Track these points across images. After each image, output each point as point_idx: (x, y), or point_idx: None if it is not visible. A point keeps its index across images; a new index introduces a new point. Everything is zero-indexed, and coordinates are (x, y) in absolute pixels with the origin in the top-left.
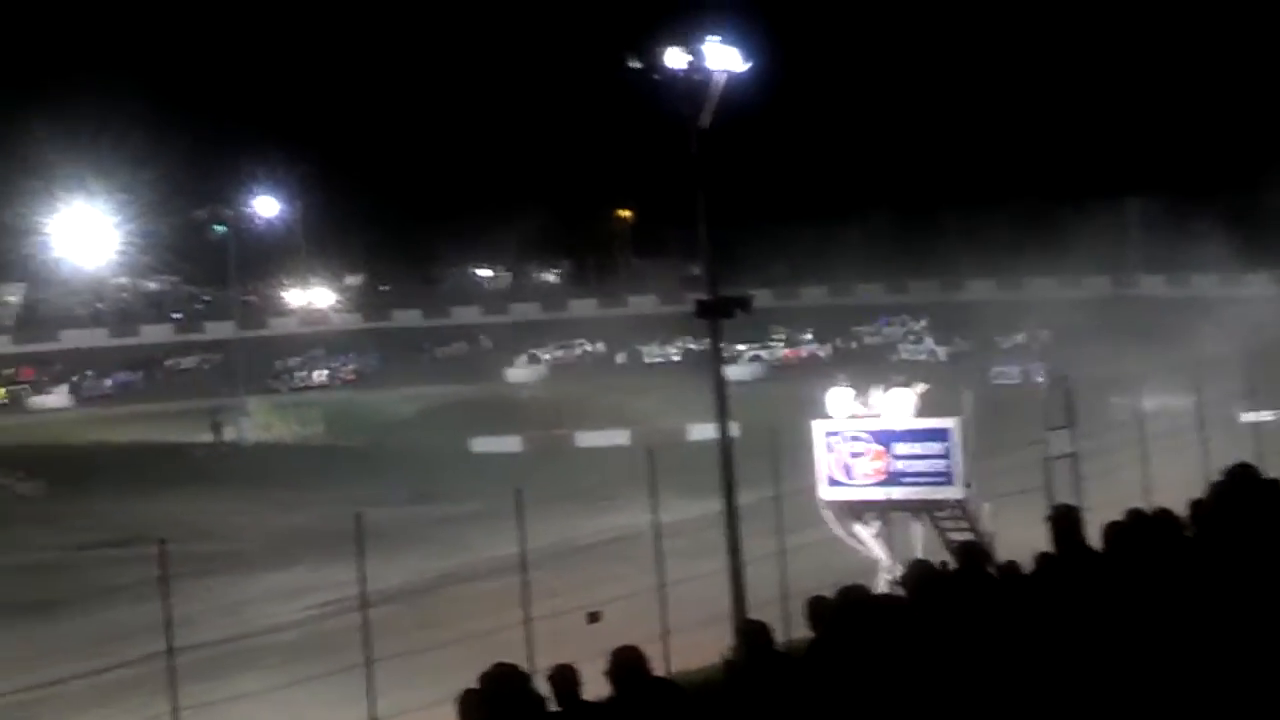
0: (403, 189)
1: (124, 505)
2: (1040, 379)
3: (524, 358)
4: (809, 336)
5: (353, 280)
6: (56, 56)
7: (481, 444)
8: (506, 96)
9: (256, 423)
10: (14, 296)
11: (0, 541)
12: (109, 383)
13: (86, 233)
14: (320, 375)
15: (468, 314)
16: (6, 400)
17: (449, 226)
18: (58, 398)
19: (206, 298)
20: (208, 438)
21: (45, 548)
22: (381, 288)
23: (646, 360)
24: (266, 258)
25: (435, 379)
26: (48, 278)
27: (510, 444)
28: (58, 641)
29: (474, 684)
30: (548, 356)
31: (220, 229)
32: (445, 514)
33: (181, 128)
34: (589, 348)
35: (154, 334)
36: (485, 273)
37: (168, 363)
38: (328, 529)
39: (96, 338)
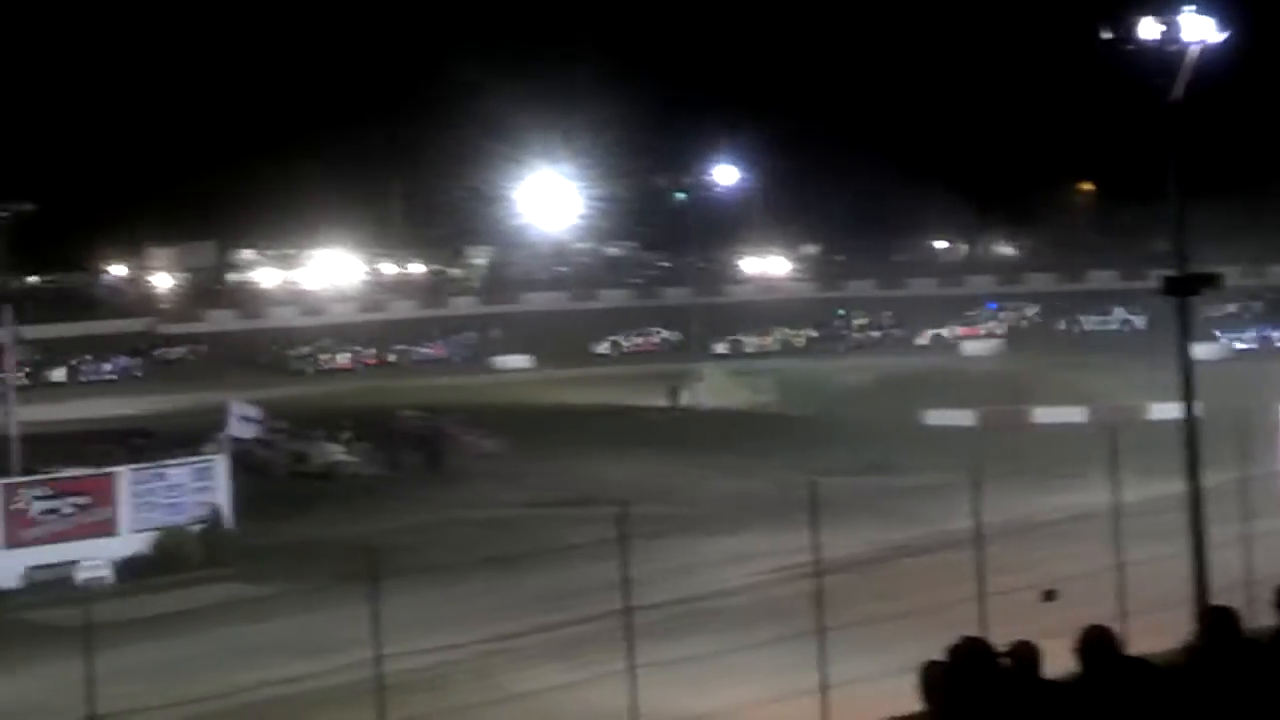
0: (863, 159)
1: (580, 466)
2: None
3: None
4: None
5: (809, 250)
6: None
7: (935, 417)
8: (969, 67)
9: (712, 389)
10: (481, 260)
11: (464, 497)
12: (108, 368)
13: (550, 198)
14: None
15: (923, 286)
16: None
17: (907, 198)
18: (519, 359)
19: (664, 263)
20: (664, 403)
21: (505, 504)
22: (837, 258)
23: (1086, 329)
24: (723, 225)
25: (890, 350)
26: (513, 242)
27: (964, 418)
28: (515, 596)
29: (937, 656)
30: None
31: (680, 196)
32: (897, 485)
33: (644, 94)
34: (1029, 314)
35: (612, 298)
36: (941, 244)
37: (156, 352)
38: (778, 496)
39: (558, 301)
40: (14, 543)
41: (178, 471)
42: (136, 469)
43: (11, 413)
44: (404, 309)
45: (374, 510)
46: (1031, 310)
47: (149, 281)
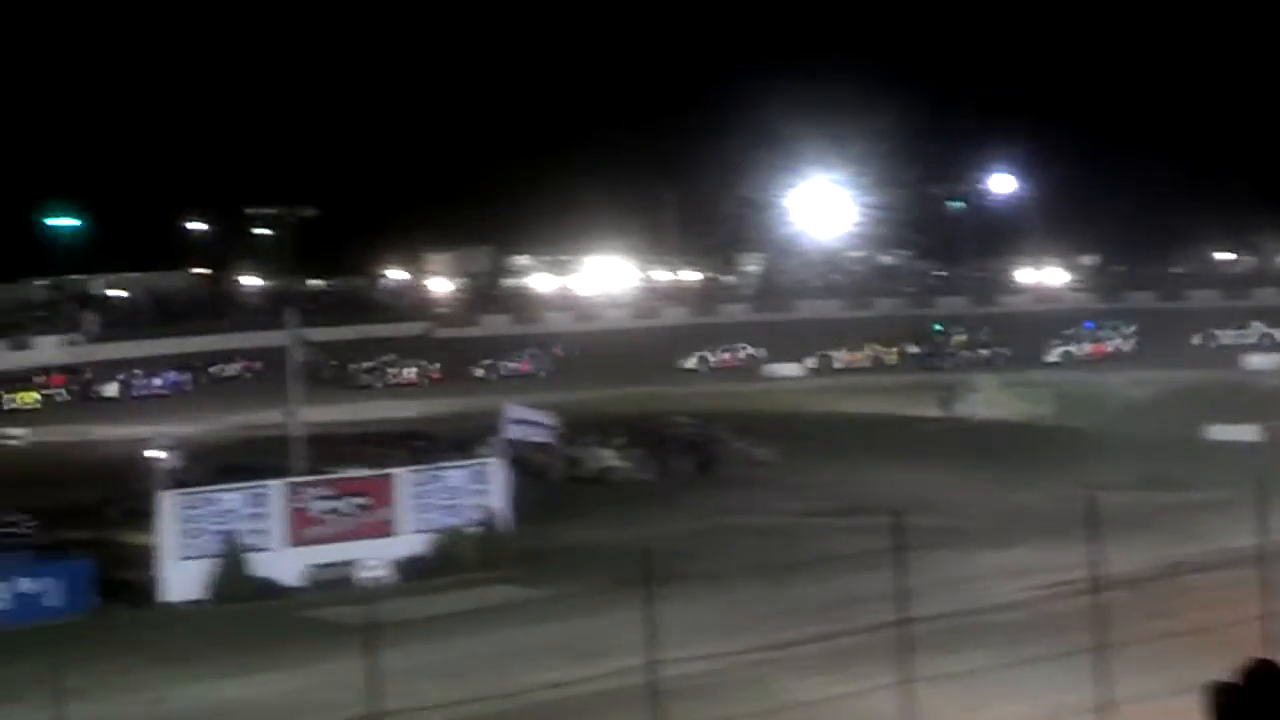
0: (1142, 170)
1: (852, 475)
2: None
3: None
4: None
5: (1087, 260)
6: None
7: (1218, 432)
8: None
9: (986, 399)
10: (754, 267)
11: (736, 504)
12: (158, 382)
13: (823, 206)
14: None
15: (1205, 298)
16: (39, 407)
17: (1188, 208)
18: (790, 367)
19: (939, 273)
20: (937, 412)
21: (777, 512)
22: (1116, 268)
23: None
24: (999, 235)
25: (1173, 364)
26: (786, 250)
27: (1249, 433)
28: (787, 604)
29: (1226, 677)
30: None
31: (956, 204)
32: (1177, 501)
33: (919, 101)
34: None
35: (886, 307)
36: (1226, 256)
37: (212, 368)
38: (1053, 510)
39: (831, 309)
40: (297, 541)
41: (455, 474)
42: (415, 470)
43: (296, 413)
44: (677, 316)
45: (646, 516)
46: None
47: (426, 286)
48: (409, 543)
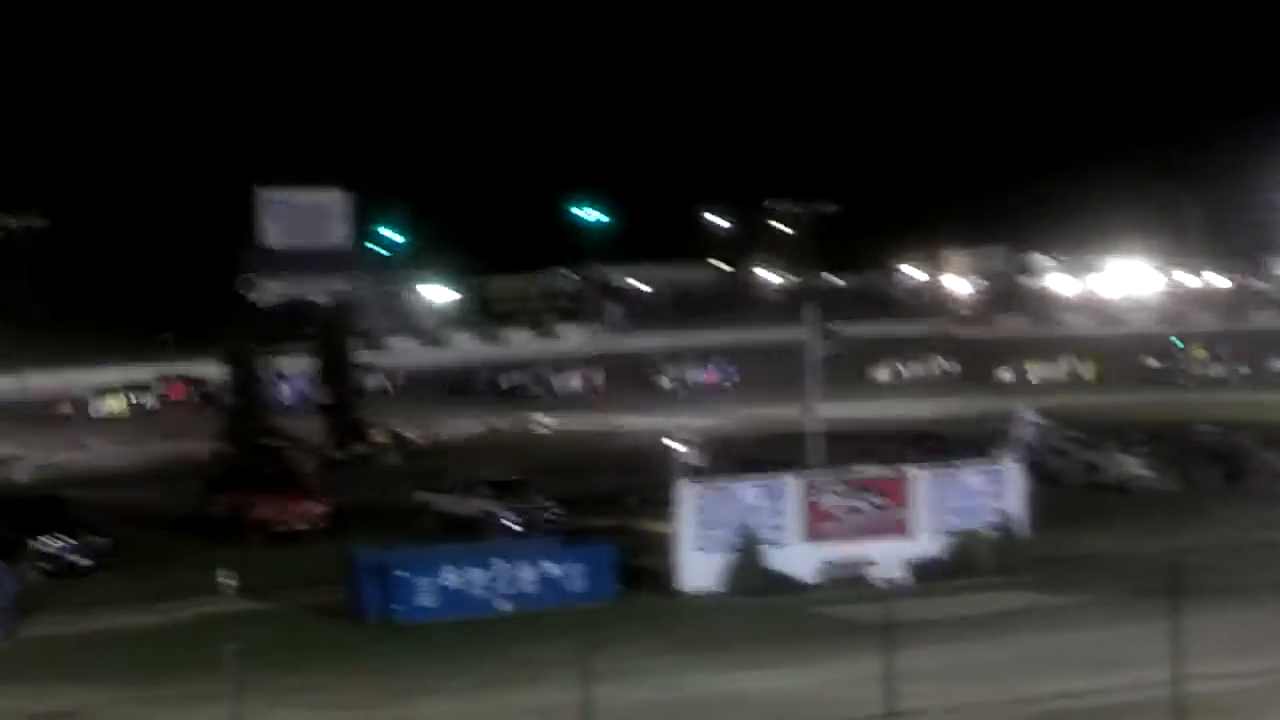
0: None
1: None
2: None
3: None
4: None
5: None
6: None
7: None
8: None
9: None
10: None
11: (1270, 518)
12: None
13: None
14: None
15: None
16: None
17: None
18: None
19: None
20: None
21: None
22: None
23: None
24: None
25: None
26: None
27: None
28: None
29: None
30: None
31: None
32: None
33: None
34: None
35: None
36: None
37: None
38: None
39: None
40: (812, 536)
41: (972, 476)
42: (931, 471)
43: (814, 408)
44: (1203, 322)
45: (1172, 526)
46: None
47: (943, 284)
48: (923, 544)
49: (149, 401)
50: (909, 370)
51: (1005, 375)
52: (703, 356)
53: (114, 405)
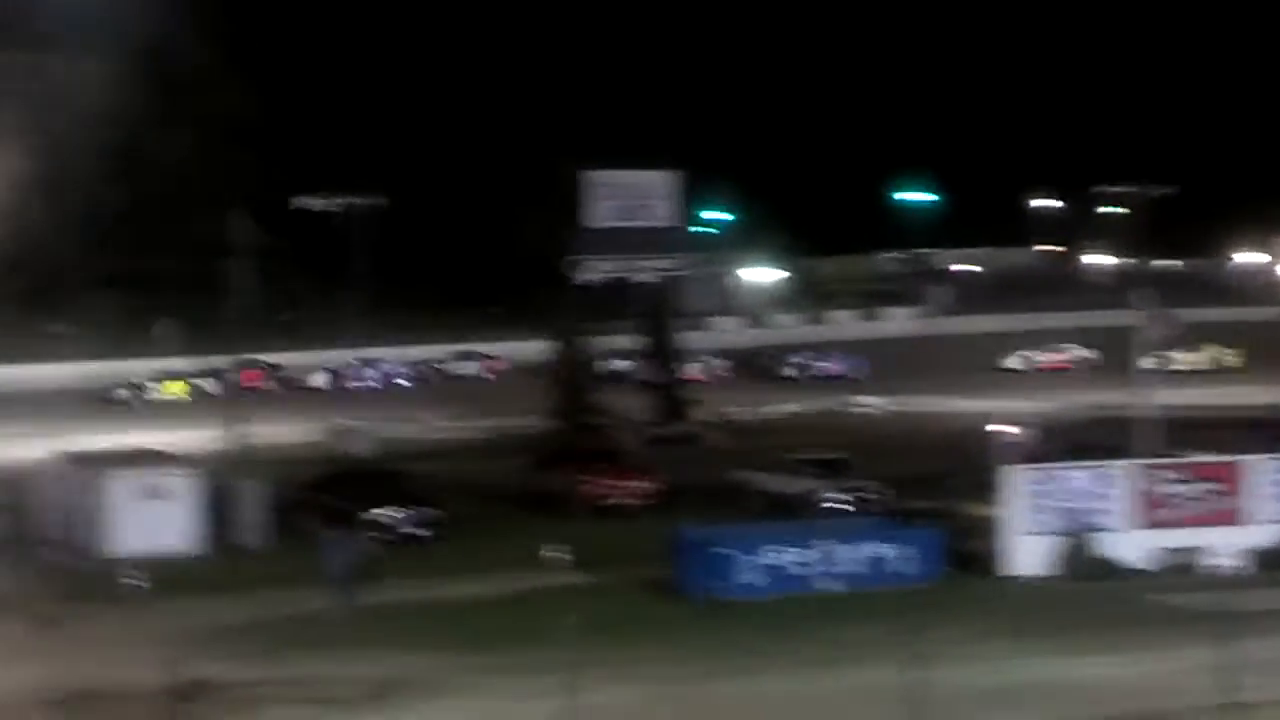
0: None
1: None
2: None
3: None
4: None
5: None
6: None
7: None
8: None
9: None
10: None
11: None
12: (371, 373)
13: None
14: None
15: None
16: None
17: None
18: None
19: None
20: None
21: None
22: None
23: None
24: None
25: None
26: None
27: None
28: None
29: None
30: None
31: None
32: None
33: None
34: None
35: None
36: None
37: (440, 365)
38: None
39: None
40: (1145, 523)
41: None
42: (1270, 459)
43: (1145, 394)
44: None
45: None
46: None
47: (1276, 271)
48: (1262, 532)
49: (211, 387)
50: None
51: None
52: (1035, 340)
53: (174, 389)
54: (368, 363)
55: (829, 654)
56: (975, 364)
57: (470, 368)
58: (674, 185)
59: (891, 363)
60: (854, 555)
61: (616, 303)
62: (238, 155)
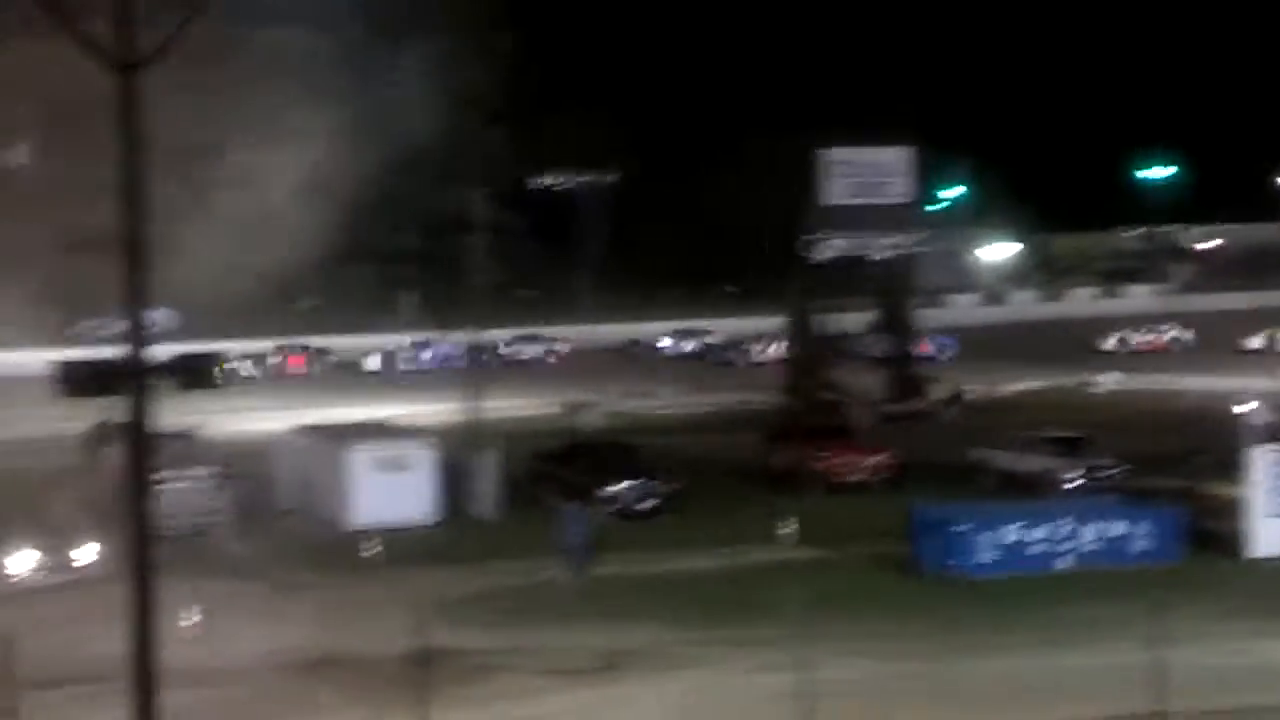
0: None
1: None
2: None
3: None
4: None
5: None
6: None
7: None
8: None
9: None
10: None
11: None
12: (427, 356)
13: None
14: None
15: None
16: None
17: None
18: None
19: None
20: None
21: None
22: None
23: None
24: None
25: None
26: None
27: None
28: None
29: None
30: None
31: None
32: None
33: None
34: None
35: None
36: None
37: (504, 349)
38: None
39: None
40: None
41: None
42: None
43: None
44: None
45: None
46: None
47: None
48: None
49: (254, 371)
50: (430, 355)
51: None
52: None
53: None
54: (419, 345)
55: (1065, 633)
56: (1217, 344)
57: (534, 350)
58: (909, 162)
59: None
60: (1093, 534)
61: (852, 280)
62: (486, 133)
